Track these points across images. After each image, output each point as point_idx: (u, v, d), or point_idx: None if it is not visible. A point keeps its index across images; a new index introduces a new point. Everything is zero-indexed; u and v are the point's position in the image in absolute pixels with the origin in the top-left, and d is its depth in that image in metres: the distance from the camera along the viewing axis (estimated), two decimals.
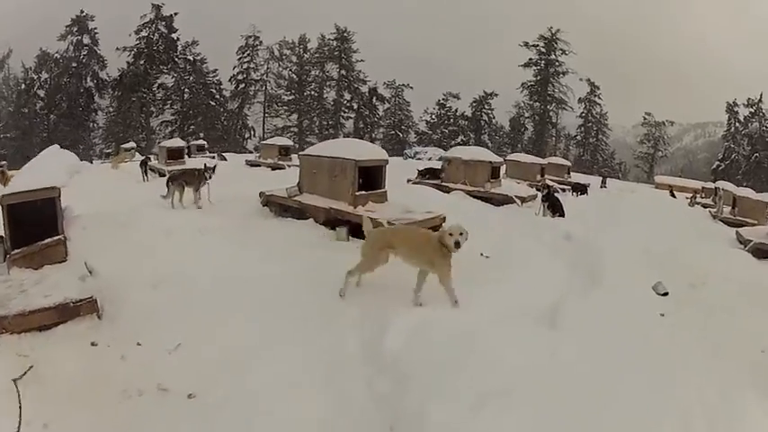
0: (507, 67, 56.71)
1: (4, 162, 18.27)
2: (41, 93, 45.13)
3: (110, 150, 29.72)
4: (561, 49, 54.10)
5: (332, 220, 7.55)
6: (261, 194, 9.10)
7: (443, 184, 12.78)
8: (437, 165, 14.02)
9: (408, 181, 13.73)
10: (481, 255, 6.57)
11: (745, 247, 9.31)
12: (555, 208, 10.84)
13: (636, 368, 3.75)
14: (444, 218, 7.59)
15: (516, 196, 12.14)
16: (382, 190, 8.02)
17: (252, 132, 53.82)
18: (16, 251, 4.65)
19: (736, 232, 10.57)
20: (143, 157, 18.27)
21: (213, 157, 25.40)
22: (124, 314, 4.16)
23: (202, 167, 9.38)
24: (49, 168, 5.35)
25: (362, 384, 3.54)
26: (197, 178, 9.15)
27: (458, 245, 4.48)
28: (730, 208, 15.38)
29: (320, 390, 3.44)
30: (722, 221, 14.35)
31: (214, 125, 52.08)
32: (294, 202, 8.32)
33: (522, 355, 3.71)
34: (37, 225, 4.77)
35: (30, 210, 4.77)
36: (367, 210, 7.42)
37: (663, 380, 3.63)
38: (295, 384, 3.46)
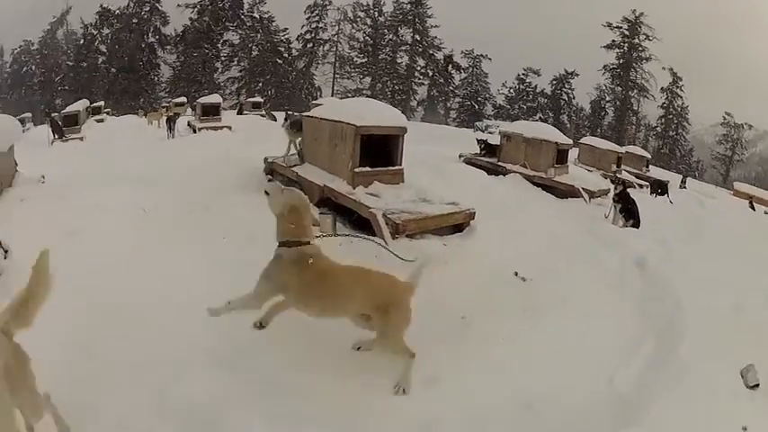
0: (590, 46, 52.69)
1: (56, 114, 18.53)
2: (103, 48, 46.25)
3: (163, 104, 30.11)
4: (645, 34, 48.83)
5: (325, 202, 5.85)
6: (265, 160, 7.65)
7: (500, 163, 10.58)
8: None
9: (460, 157, 11.61)
10: (515, 275, 4.74)
11: None
12: (629, 213, 8.19)
13: None
14: (473, 214, 5.66)
15: (584, 189, 9.46)
16: (396, 167, 6.09)
17: (319, 93, 52.40)
18: None
19: None
20: (169, 114, 17.68)
21: (263, 116, 24.39)
22: None
23: None
24: None
25: None
26: None
27: None
28: None
29: None
30: None
31: (282, 83, 51.99)
32: (291, 173, 6.72)
33: None
34: None
35: None
36: (369, 193, 5.66)
37: None
38: None
